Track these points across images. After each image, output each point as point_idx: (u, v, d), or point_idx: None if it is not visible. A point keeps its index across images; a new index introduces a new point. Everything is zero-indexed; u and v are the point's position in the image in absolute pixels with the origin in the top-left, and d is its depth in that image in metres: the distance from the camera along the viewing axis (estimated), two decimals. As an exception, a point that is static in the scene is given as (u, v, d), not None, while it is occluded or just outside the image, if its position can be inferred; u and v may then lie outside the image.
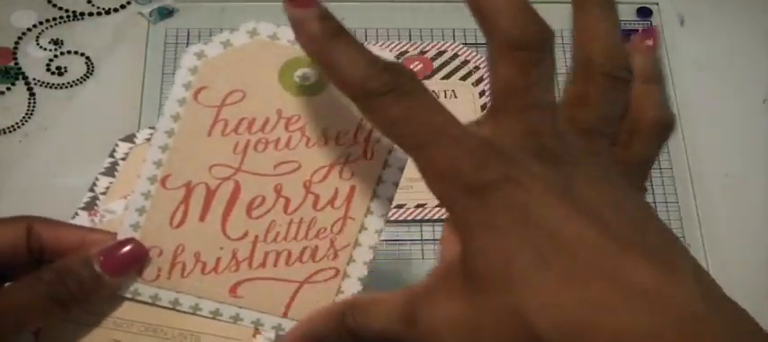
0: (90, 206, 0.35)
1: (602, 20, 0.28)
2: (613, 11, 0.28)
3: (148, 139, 0.35)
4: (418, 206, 0.55)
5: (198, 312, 0.34)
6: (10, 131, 0.57)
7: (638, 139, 0.28)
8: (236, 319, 0.34)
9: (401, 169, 0.33)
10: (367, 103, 0.26)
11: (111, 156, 0.36)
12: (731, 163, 0.59)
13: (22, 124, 0.57)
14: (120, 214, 0.34)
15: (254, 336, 0.34)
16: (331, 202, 0.33)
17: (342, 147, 0.33)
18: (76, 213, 0.35)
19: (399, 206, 0.55)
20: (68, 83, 0.59)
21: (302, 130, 0.33)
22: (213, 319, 0.34)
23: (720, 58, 0.63)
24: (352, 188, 0.33)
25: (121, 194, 0.35)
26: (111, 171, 0.36)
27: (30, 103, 0.58)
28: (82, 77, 0.59)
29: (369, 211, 0.33)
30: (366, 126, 0.33)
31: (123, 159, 0.36)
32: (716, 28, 0.65)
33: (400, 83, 0.25)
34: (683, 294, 0.22)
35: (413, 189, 0.55)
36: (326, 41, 0.26)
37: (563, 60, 0.61)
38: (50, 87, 0.59)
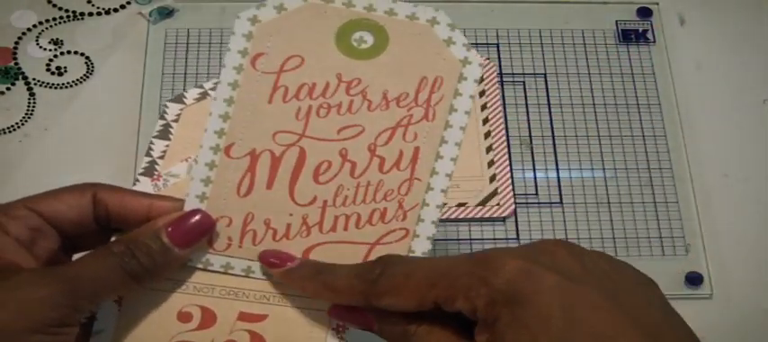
0: (150, 171, 0.35)
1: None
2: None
3: (198, 99, 0.35)
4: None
5: (271, 278, 0.34)
6: (10, 131, 0.57)
7: None
8: None
9: (462, 128, 0.34)
10: (374, 289, 0.30)
11: (162, 118, 0.35)
12: (731, 163, 0.59)
13: (22, 124, 0.57)
14: (184, 177, 0.34)
15: None
16: (396, 164, 0.34)
17: (403, 109, 0.34)
18: (137, 180, 0.35)
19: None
20: (68, 83, 0.59)
21: (363, 93, 0.34)
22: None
23: (720, 58, 0.63)
24: (417, 150, 0.34)
25: (181, 157, 0.35)
26: (164, 134, 0.35)
27: (30, 103, 0.58)
28: (82, 77, 0.59)
29: (434, 172, 0.34)
30: (427, 87, 0.34)
31: (175, 121, 0.35)
32: (716, 28, 0.65)
33: (387, 260, 0.30)
34: None
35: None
36: (316, 276, 0.32)
37: (563, 60, 0.61)
38: (50, 87, 0.59)
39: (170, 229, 0.32)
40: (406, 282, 0.29)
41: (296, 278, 0.33)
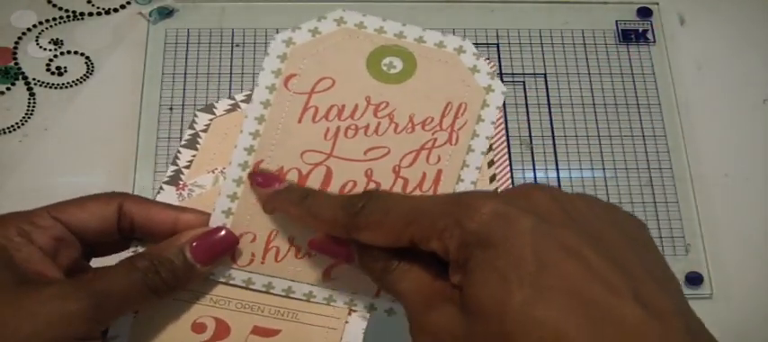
0: (175, 180, 0.35)
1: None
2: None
3: (228, 111, 0.36)
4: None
5: (291, 295, 0.34)
6: (10, 131, 0.57)
7: None
8: (329, 300, 0.34)
9: (483, 153, 0.35)
10: (354, 222, 0.29)
11: (191, 127, 0.36)
12: (731, 163, 0.59)
13: (22, 124, 0.57)
14: (209, 189, 0.35)
15: (349, 313, 0.34)
16: (419, 185, 0.35)
17: (428, 132, 0.35)
18: (161, 188, 0.35)
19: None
20: (68, 83, 0.59)
21: (390, 116, 0.35)
22: (306, 301, 0.34)
23: (720, 58, 0.63)
24: (439, 172, 0.35)
25: (207, 168, 0.35)
26: (192, 143, 0.35)
27: (30, 103, 0.58)
28: (82, 77, 0.59)
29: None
30: (451, 112, 0.35)
31: (204, 131, 0.35)
32: (716, 28, 0.65)
33: (370, 194, 0.29)
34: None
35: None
36: (302, 201, 0.32)
37: (563, 60, 0.61)
38: (50, 87, 0.59)
39: (194, 244, 0.32)
40: (384, 218, 0.28)
41: (282, 201, 0.33)
